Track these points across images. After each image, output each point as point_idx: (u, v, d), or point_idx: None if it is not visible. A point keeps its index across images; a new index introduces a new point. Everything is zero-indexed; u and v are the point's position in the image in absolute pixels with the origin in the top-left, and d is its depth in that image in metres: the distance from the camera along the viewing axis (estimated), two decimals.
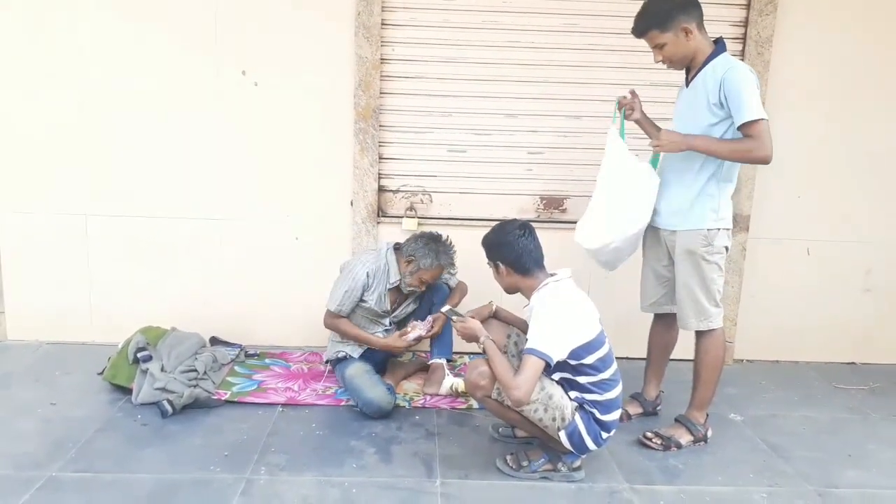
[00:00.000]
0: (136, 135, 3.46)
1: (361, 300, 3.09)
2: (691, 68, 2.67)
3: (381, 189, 3.58)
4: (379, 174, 3.55)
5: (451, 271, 3.22)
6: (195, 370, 3.05)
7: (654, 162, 2.81)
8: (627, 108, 2.80)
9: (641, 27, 2.63)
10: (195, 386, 2.98)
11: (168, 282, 3.57)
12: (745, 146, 2.54)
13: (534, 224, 2.63)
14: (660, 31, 2.59)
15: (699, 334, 2.76)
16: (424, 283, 3.11)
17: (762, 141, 2.51)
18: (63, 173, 3.47)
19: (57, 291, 3.57)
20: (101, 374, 3.13)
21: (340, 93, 3.44)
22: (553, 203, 3.60)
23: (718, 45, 2.64)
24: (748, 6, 3.42)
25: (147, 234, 3.53)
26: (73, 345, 3.56)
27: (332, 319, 3.11)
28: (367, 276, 3.06)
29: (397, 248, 3.17)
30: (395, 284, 3.11)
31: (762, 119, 2.50)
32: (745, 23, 3.43)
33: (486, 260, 2.59)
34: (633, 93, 2.82)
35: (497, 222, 2.63)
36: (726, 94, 2.52)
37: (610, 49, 3.41)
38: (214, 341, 3.53)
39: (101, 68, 3.39)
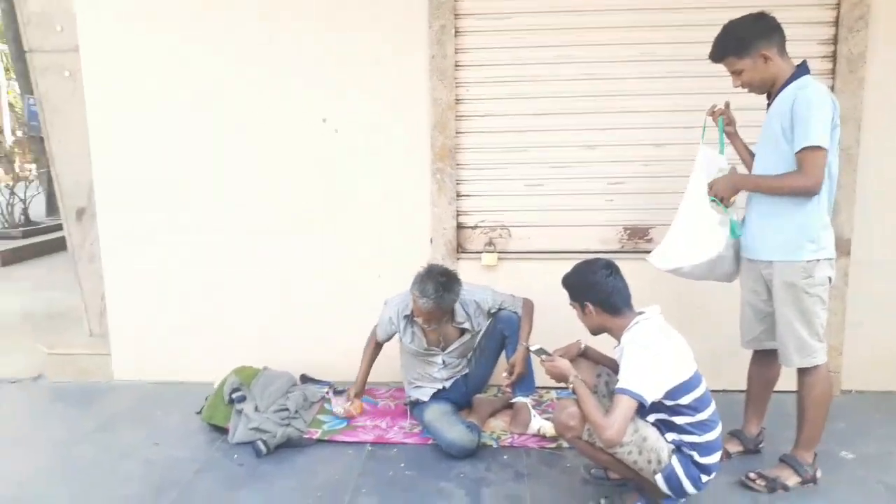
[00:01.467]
0: (227, 182, 3.63)
1: (401, 339, 3.13)
2: (772, 93, 2.59)
3: (459, 226, 3.61)
4: (457, 211, 3.58)
5: (429, 304, 2.93)
6: (287, 409, 3.13)
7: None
8: (726, 118, 2.76)
9: (719, 53, 2.61)
10: (287, 425, 3.05)
11: (258, 321, 3.71)
12: (786, 180, 2.48)
13: (618, 255, 2.61)
14: (737, 57, 2.56)
15: (802, 370, 2.62)
16: (422, 317, 3.00)
17: (805, 170, 2.44)
18: (176, 217, 3.68)
19: (158, 332, 3.76)
20: (200, 413, 3.26)
21: (417, 134, 3.52)
22: (637, 233, 3.53)
23: (800, 68, 2.55)
24: (836, 23, 3.28)
25: (238, 277, 3.69)
26: (174, 384, 3.73)
27: (370, 341, 3.28)
28: (390, 320, 3.12)
29: None
30: (406, 315, 3.10)
31: (816, 147, 2.40)
32: (835, 40, 3.29)
33: (570, 300, 2.54)
34: (727, 104, 2.78)
35: (579, 260, 2.59)
36: (793, 117, 2.45)
37: (690, 75, 3.32)
38: (304, 379, 3.62)
39: (200, 117, 3.59)
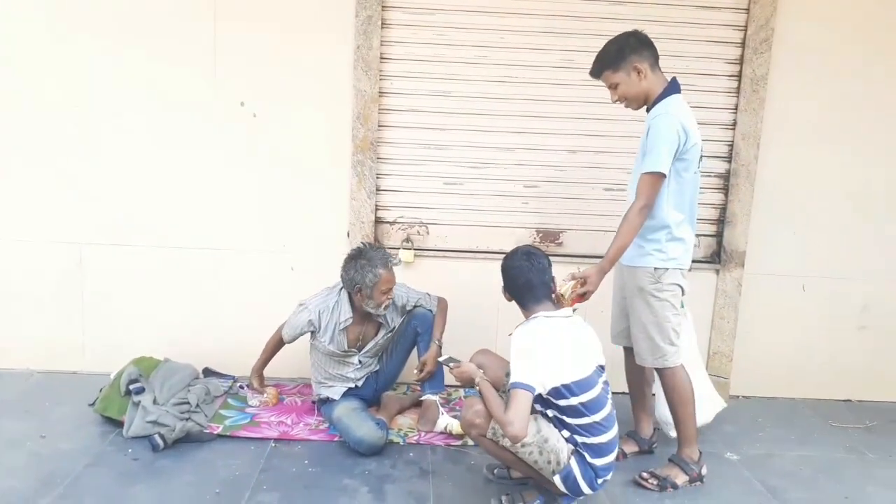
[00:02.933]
0: (132, 164, 3.46)
1: (317, 339, 3.06)
2: (648, 108, 2.71)
3: (377, 220, 3.58)
4: (376, 206, 3.55)
5: (393, 262, 3.07)
6: (188, 403, 3.02)
7: None
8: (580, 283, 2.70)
9: (597, 68, 2.74)
10: (187, 419, 2.95)
11: (162, 311, 3.56)
12: (628, 219, 2.60)
13: None
14: (612, 70, 2.68)
15: (660, 372, 2.78)
16: (388, 294, 2.99)
17: (639, 192, 2.60)
18: (59, 201, 3.47)
19: (49, 319, 3.54)
20: (93, 405, 3.10)
21: (339, 125, 3.46)
22: (549, 236, 3.61)
23: (670, 86, 2.67)
24: (743, 44, 3.45)
25: (142, 263, 3.52)
26: (65, 374, 3.53)
27: (274, 336, 3.19)
28: (310, 323, 3.02)
29: None
30: (347, 324, 3.05)
31: (653, 173, 2.56)
32: (741, 61, 3.46)
33: None
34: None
35: (493, 260, 2.63)
36: (647, 143, 2.61)
37: (605, 85, 3.42)
38: (207, 372, 3.51)
39: (99, 97, 3.41)
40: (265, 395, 3.27)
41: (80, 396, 3.24)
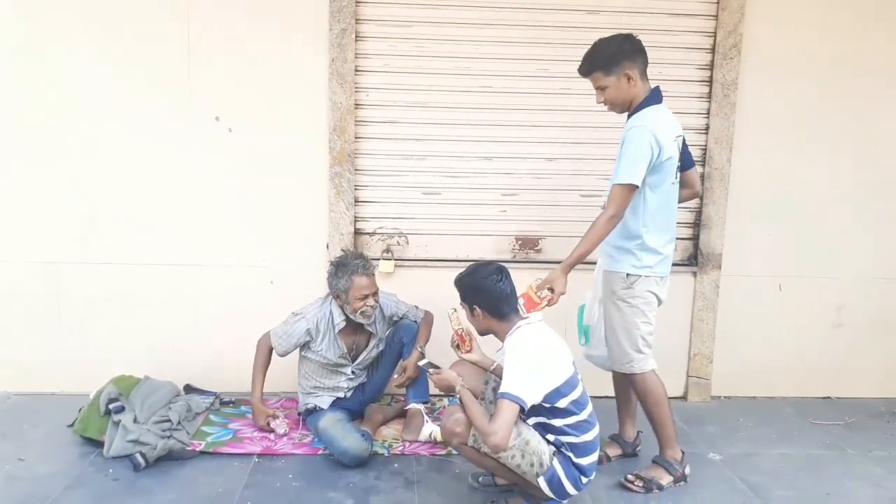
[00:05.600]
0: (108, 182, 3.44)
1: (311, 350, 3.09)
2: (629, 115, 2.72)
3: (357, 232, 3.58)
4: (355, 217, 3.56)
5: (369, 270, 3.07)
6: (169, 420, 2.99)
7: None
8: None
9: (587, 67, 2.71)
10: (169, 437, 2.92)
11: (141, 329, 3.52)
12: (597, 225, 2.61)
13: (509, 264, 2.65)
14: (604, 73, 2.66)
15: (630, 378, 2.80)
16: (365, 301, 3.02)
17: (609, 202, 2.62)
18: (33, 221, 3.43)
19: (26, 340, 3.50)
20: (72, 426, 3.06)
21: (316, 137, 3.46)
22: (528, 243, 3.63)
23: (652, 95, 2.68)
24: (713, 50, 3.51)
25: (119, 280, 3.49)
26: (43, 395, 3.48)
27: (263, 344, 3.14)
28: (308, 333, 3.06)
29: None
30: (341, 326, 3.08)
31: (623, 184, 2.57)
32: (711, 66, 3.52)
33: (460, 300, 2.58)
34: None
35: (471, 263, 2.64)
36: (621, 151, 2.63)
37: (582, 93, 3.42)
38: (188, 389, 3.47)
39: (74, 113, 3.38)
40: (281, 417, 3.19)
41: (58, 417, 3.19)
